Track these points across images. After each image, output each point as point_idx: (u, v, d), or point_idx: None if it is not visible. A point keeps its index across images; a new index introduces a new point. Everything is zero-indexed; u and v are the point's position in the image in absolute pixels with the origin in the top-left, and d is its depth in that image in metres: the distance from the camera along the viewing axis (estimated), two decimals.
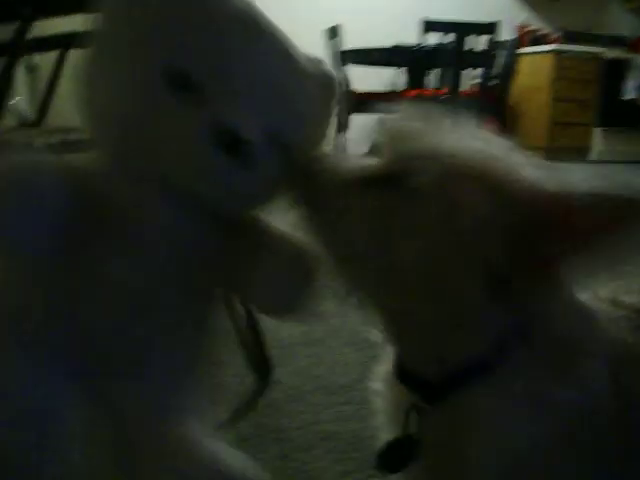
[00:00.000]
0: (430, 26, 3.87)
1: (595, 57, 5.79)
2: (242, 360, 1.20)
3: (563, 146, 5.73)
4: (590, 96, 5.83)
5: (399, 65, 4.72)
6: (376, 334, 0.65)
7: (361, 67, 4.87)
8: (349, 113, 4.46)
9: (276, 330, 1.39)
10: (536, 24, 6.36)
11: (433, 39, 3.91)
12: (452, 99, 4.01)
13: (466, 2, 6.01)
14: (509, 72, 4.38)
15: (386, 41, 5.10)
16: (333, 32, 4.41)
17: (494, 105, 4.30)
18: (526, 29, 6.23)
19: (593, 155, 5.86)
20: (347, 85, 4.41)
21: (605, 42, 6.50)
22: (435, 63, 4.14)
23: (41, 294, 0.57)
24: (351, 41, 4.70)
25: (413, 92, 4.16)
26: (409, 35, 4.05)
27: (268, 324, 1.40)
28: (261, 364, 1.21)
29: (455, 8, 5.87)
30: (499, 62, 4.44)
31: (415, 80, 4.47)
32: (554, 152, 5.73)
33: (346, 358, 1.28)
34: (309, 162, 0.66)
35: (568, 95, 5.74)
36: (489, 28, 3.96)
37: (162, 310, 0.61)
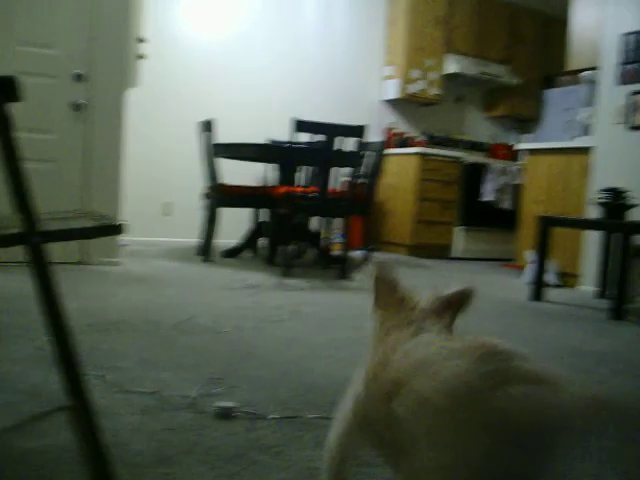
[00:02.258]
0: (301, 126, 3.95)
1: (456, 160, 6.11)
2: None
3: (427, 244, 5.95)
4: (452, 197, 6.12)
5: (270, 161, 4.79)
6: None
7: (232, 161, 4.91)
8: (218, 206, 4.45)
9: (126, 446, 1.30)
10: (402, 127, 6.68)
11: (305, 137, 3.99)
12: (321, 197, 4.10)
13: (338, 104, 6.23)
14: (376, 172, 4.54)
15: (259, 136, 5.19)
16: (206, 126, 4.43)
17: (362, 203, 4.42)
18: (393, 131, 6.53)
19: (455, 252, 6.11)
20: (217, 178, 4.41)
21: (466, 147, 6.90)
22: (305, 161, 4.23)
23: None
24: (224, 135, 4.75)
25: (283, 188, 4.21)
26: (282, 132, 4.12)
27: (119, 439, 1.31)
28: None
29: (328, 109, 6.08)
30: (367, 162, 4.60)
31: (286, 176, 4.54)
32: (419, 249, 5.94)
33: (202, 478, 1.20)
34: None
35: (432, 195, 6.00)
36: (358, 131, 4.10)
37: None
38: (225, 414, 1.51)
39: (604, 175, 4.14)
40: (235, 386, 1.76)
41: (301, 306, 3.02)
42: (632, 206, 3.62)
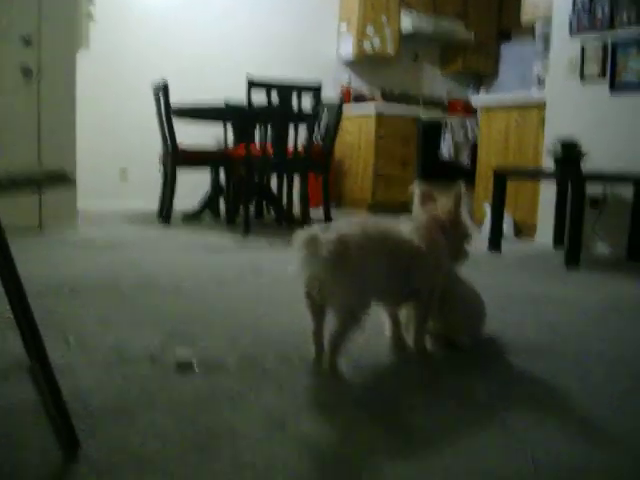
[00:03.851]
0: (255, 84, 3.93)
1: (414, 118, 6.13)
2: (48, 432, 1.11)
3: (387, 200, 5.98)
4: (411, 154, 6.15)
5: (226, 122, 4.74)
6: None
7: (190, 123, 4.87)
8: (175, 168, 4.42)
9: (87, 401, 1.31)
10: (359, 85, 6.66)
11: (261, 97, 3.96)
12: (278, 156, 4.09)
13: (293, 60, 6.18)
14: (334, 131, 4.53)
15: (215, 93, 5.14)
16: (161, 88, 4.36)
17: (320, 162, 4.42)
18: (349, 89, 6.51)
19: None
20: (174, 142, 4.37)
21: (423, 104, 6.91)
22: (262, 120, 4.20)
23: None
24: (179, 94, 4.68)
25: (240, 150, 4.20)
26: (239, 89, 4.06)
27: (81, 394, 1.32)
28: (66, 435, 1.12)
29: (283, 65, 6.03)
30: (324, 121, 4.59)
31: (243, 137, 4.50)
32: (379, 206, 5.98)
33: (164, 428, 1.22)
34: None
35: (390, 153, 6.02)
36: (314, 89, 4.09)
37: None
38: (185, 365, 1.53)
39: (558, 128, 4.18)
40: (196, 339, 1.78)
41: (261, 264, 3.04)
42: (583, 155, 3.67)
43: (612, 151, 3.90)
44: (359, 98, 6.55)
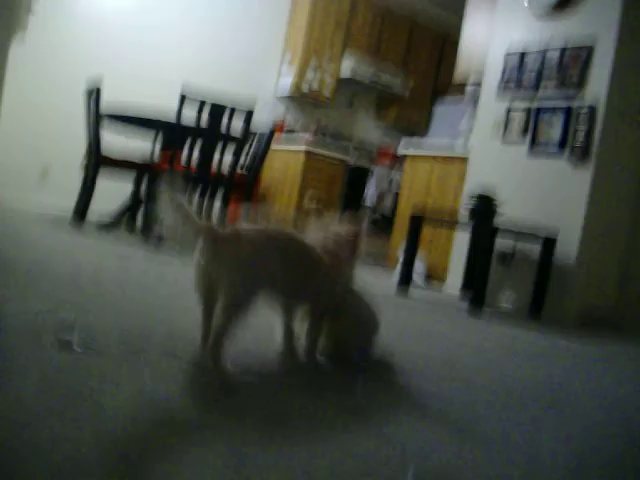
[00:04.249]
0: (187, 101, 3.92)
1: (341, 162, 6.22)
2: None
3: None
4: (335, 198, 6.23)
5: (155, 136, 4.69)
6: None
7: (118, 132, 4.80)
8: (96, 172, 4.34)
9: None
10: (293, 125, 6.73)
11: (193, 112, 3.95)
12: (201, 177, 4.08)
13: (232, 80, 6.19)
14: (260, 161, 4.54)
15: (151, 102, 5.08)
16: (92, 93, 4.30)
17: (243, 189, 4.42)
18: (282, 122, 6.57)
19: None
20: (98, 144, 4.29)
21: (354, 150, 7.02)
22: (190, 138, 4.18)
23: None
24: (113, 97, 4.61)
25: (164, 165, 4.16)
26: (173, 99, 4.03)
27: None
28: None
29: (223, 83, 6.04)
30: (253, 150, 4.59)
31: (169, 149, 4.45)
32: None
33: (34, 405, 1.17)
34: None
35: (315, 191, 6.07)
36: (245, 114, 4.11)
37: None
38: (65, 342, 1.49)
39: (478, 182, 4.32)
40: (83, 326, 1.73)
41: (165, 272, 3.00)
42: (496, 212, 3.80)
43: (525, 209, 4.05)
44: (291, 138, 6.63)
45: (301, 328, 1.77)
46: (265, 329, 1.78)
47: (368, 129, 7.51)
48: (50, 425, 1.05)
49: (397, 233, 5.10)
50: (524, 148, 4.17)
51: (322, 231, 1.81)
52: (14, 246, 3.09)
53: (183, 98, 3.91)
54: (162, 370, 1.47)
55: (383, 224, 6.31)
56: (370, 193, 6.35)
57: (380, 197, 6.35)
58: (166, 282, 2.79)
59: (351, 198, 6.34)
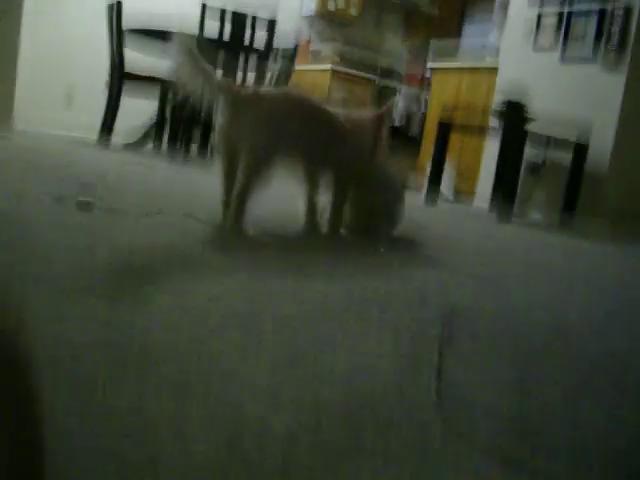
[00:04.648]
0: (209, 12, 3.85)
1: (369, 81, 6.12)
2: None
3: None
4: None
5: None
6: None
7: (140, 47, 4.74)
8: (120, 93, 4.31)
9: None
10: (318, 46, 6.60)
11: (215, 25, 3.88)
12: None
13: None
14: (285, 81, 4.45)
15: (170, 13, 4.99)
16: (114, 7, 4.24)
17: None
18: (307, 45, 6.45)
19: None
20: (123, 65, 4.25)
21: (381, 70, 6.90)
22: (214, 51, 4.11)
23: None
24: (132, 19, 4.55)
25: None
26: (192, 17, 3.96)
27: None
28: None
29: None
30: (275, 67, 4.50)
31: None
32: None
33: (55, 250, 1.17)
34: None
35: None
36: (268, 25, 4.02)
37: None
38: (84, 203, 1.48)
39: (508, 93, 4.20)
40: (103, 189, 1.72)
41: (190, 171, 3.00)
42: (529, 119, 3.69)
43: (557, 118, 3.94)
44: (316, 54, 6.50)
45: (325, 203, 1.75)
46: (288, 204, 1.76)
47: (396, 49, 7.34)
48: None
49: (426, 150, 5.02)
50: (556, 55, 4.04)
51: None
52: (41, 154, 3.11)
53: (204, 7, 3.84)
54: (181, 228, 1.46)
55: (411, 145, 6.23)
56: (398, 114, 6.24)
57: (408, 118, 6.25)
58: (188, 174, 2.79)
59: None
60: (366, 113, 1.82)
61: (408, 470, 0.51)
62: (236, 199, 1.46)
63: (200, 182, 2.65)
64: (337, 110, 1.69)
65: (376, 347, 0.81)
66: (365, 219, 1.77)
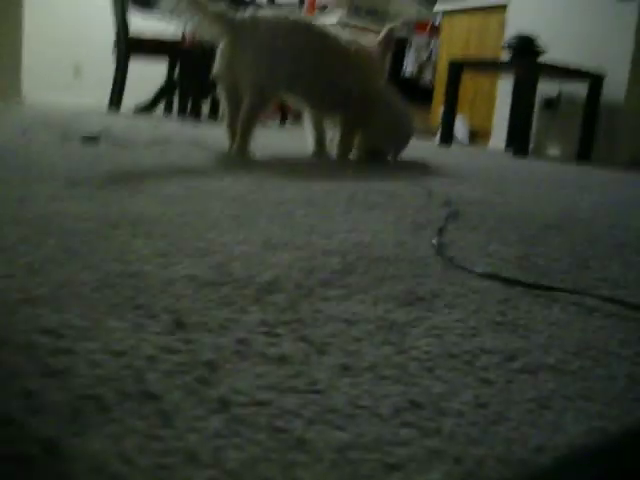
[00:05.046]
0: None
1: (378, 32, 6.02)
2: None
3: None
4: None
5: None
6: None
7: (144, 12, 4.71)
8: (128, 57, 4.29)
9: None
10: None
11: None
12: None
13: None
14: None
15: None
16: None
17: None
18: (313, 1, 6.36)
19: None
20: (126, 26, 4.23)
21: (389, 22, 6.79)
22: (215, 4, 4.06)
23: None
24: None
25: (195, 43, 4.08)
26: None
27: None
28: None
29: None
30: None
31: None
32: None
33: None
34: None
35: None
36: None
37: None
38: (90, 138, 1.49)
39: (519, 28, 4.13)
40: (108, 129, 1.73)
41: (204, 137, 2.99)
42: (541, 52, 3.62)
43: (570, 52, 3.86)
44: (323, 8, 6.43)
45: (334, 134, 1.73)
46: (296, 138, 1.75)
47: (405, 1, 7.23)
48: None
49: (439, 91, 4.96)
50: None
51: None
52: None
53: None
54: (186, 153, 1.46)
55: (423, 96, 6.16)
56: (409, 63, 6.16)
57: (420, 68, 6.17)
58: (198, 128, 2.78)
59: (390, 71, 6.17)
60: (370, 38, 1.79)
61: (407, 285, 0.51)
62: (241, 131, 1.45)
63: (209, 134, 2.65)
64: (341, 35, 1.66)
65: (382, 219, 0.80)
66: (372, 143, 1.76)
